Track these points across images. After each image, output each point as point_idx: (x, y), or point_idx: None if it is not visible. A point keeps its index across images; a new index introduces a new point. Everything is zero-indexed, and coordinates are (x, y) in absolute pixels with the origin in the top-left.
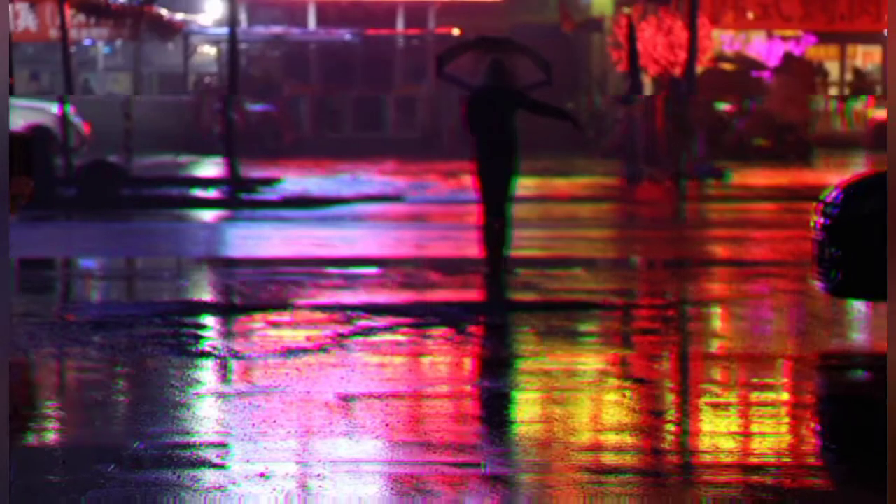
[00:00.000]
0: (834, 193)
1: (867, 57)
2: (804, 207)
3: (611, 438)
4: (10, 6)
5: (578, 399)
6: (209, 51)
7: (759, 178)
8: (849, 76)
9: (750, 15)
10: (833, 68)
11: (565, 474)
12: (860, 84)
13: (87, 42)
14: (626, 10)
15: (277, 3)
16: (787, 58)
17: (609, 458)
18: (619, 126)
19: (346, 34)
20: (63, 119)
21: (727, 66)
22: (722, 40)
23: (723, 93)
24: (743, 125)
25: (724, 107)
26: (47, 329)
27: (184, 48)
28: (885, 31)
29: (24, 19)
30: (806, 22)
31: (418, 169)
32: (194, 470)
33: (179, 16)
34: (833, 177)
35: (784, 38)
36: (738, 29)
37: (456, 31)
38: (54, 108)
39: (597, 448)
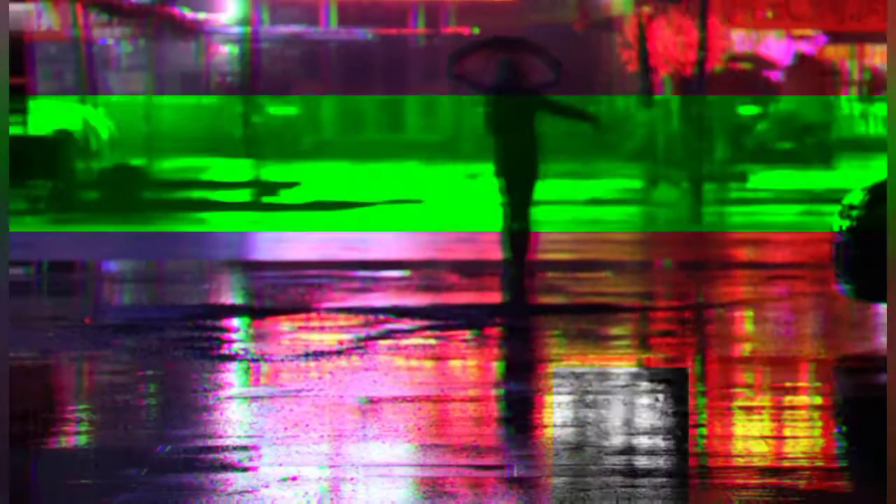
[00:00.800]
0: (856, 196)
1: (881, 56)
2: (826, 210)
3: (642, 441)
4: (30, 6)
5: (606, 402)
6: (229, 50)
7: (780, 180)
8: (862, 76)
9: (762, 15)
10: (845, 68)
11: (595, 477)
12: (873, 83)
13: (106, 41)
14: (646, 8)
15: (296, 3)
16: (799, 57)
17: (640, 461)
18: (641, 129)
19: (364, 33)
20: (86, 122)
21: (739, 66)
22: (734, 40)
23: (735, 92)
24: (763, 127)
25: (745, 110)
26: (75, 332)
27: (204, 47)
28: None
29: (45, 18)
30: (815, 21)
31: (441, 171)
32: (224, 473)
33: (199, 15)
34: (855, 180)
35: (796, 38)
36: (749, 28)
37: (472, 31)
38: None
39: (628, 451)
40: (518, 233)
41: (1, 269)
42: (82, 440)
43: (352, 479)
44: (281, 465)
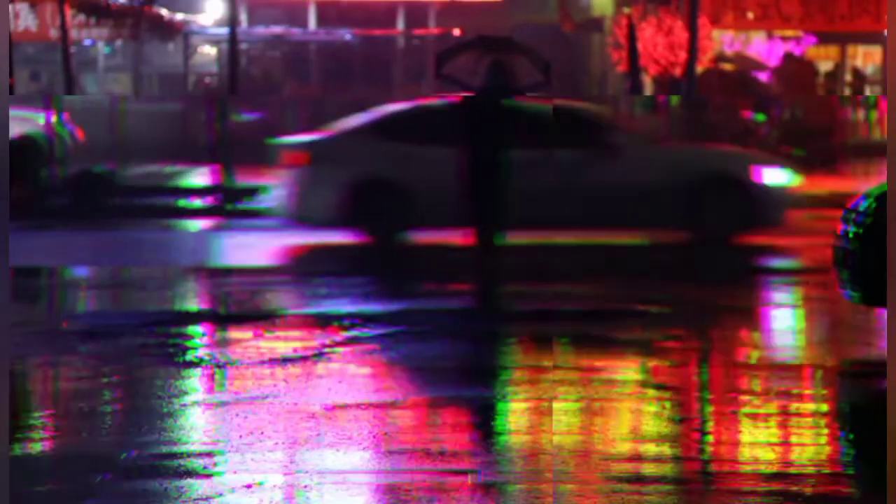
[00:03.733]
0: (859, 201)
1: (867, 57)
2: (829, 214)
3: (625, 447)
4: (10, 6)
5: (578, 408)
6: (209, 51)
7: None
8: (848, 76)
9: (750, 15)
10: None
11: (550, 484)
12: (859, 84)
13: (87, 42)
14: (627, 10)
15: (277, 4)
16: (788, 58)
17: (622, 467)
18: None
19: (346, 34)
20: (51, 127)
21: (727, 67)
22: (722, 40)
23: (722, 94)
24: (766, 131)
25: (750, 114)
26: (38, 338)
27: (184, 48)
28: (885, 31)
29: (24, 19)
30: (806, 22)
31: None
32: (182, 480)
33: (179, 16)
34: (859, 184)
35: (784, 39)
36: (738, 29)
37: (456, 32)
38: (44, 117)
39: (607, 456)
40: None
41: (1, 270)
42: (44, 446)
43: (307, 486)
44: (238, 472)
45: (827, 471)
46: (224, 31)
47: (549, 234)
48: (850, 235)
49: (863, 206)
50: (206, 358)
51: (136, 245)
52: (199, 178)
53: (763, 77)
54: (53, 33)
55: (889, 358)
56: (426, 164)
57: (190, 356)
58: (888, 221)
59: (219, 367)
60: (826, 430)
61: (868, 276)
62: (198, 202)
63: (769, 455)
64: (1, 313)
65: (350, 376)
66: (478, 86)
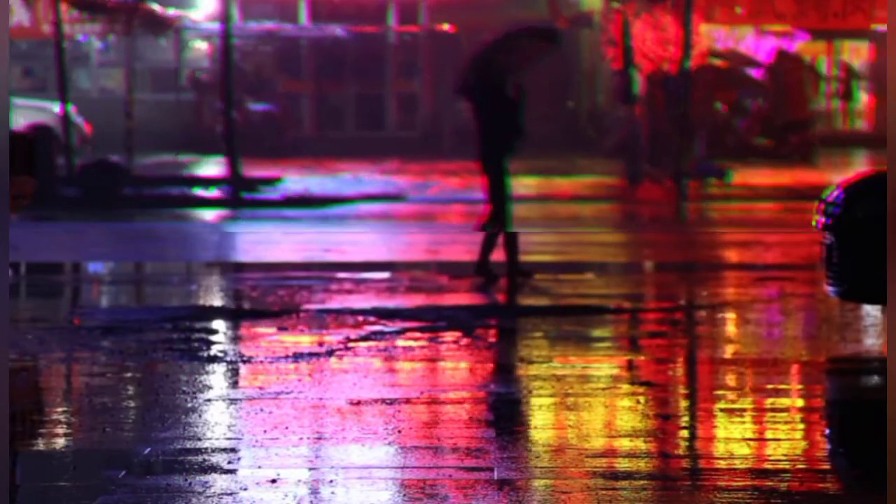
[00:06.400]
0: (838, 193)
1: (855, 53)
2: (808, 207)
3: (624, 444)
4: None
5: (590, 404)
6: (202, 46)
7: (762, 177)
8: (838, 72)
9: (742, 11)
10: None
11: (577, 479)
12: (849, 81)
13: (80, 38)
14: (616, 4)
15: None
16: (779, 54)
17: (622, 464)
18: (621, 125)
19: (338, 30)
20: (65, 118)
21: (719, 63)
22: (714, 37)
23: (715, 90)
24: (744, 124)
25: (720, 106)
26: (55, 334)
27: (177, 44)
28: (879, 28)
29: (18, 15)
30: (798, 19)
31: (419, 168)
32: (204, 475)
33: (172, 11)
34: (837, 176)
35: (776, 35)
36: (730, 25)
37: (447, 28)
38: (56, 108)
39: (609, 453)
40: (503, 233)
41: (1, 269)
42: (62, 442)
43: (331, 481)
44: (260, 467)
45: (810, 467)
46: (217, 26)
47: None
48: (827, 229)
49: (836, 198)
50: (227, 353)
51: (154, 236)
52: (211, 168)
53: (755, 73)
54: (47, 29)
55: (889, 357)
56: None
57: (210, 351)
58: (888, 220)
59: (242, 361)
60: (810, 427)
61: (844, 270)
62: (212, 190)
63: (750, 451)
64: (0, 312)
65: (372, 371)
66: (472, 84)
